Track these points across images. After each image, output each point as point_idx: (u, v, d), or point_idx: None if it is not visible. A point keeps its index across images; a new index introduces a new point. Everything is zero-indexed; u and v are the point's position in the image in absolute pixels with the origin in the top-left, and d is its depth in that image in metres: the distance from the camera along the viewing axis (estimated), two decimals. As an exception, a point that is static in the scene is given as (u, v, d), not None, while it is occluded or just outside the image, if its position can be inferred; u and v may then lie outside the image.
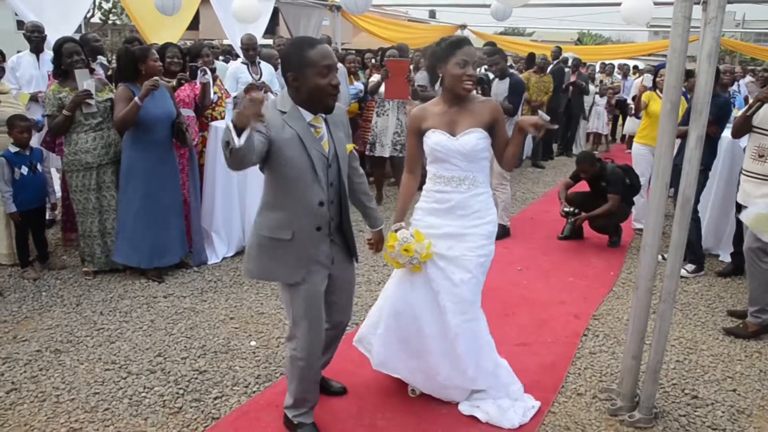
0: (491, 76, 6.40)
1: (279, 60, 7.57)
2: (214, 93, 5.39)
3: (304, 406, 2.71)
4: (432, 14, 19.67)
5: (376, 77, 6.57)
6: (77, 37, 5.30)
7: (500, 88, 5.89)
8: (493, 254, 2.87)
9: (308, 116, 2.36)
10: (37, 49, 5.68)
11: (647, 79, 6.32)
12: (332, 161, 2.44)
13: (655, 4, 8.15)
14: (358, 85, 7.26)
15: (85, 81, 4.24)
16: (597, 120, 11.32)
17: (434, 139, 2.77)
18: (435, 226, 2.81)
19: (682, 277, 4.66)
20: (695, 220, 4.72)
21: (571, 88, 10.17)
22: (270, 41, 10.08)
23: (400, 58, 6.34)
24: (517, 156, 2.85)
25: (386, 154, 6.68)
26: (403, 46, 7.77)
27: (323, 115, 2.41)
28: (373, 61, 7.85)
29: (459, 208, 2.78)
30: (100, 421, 2.84)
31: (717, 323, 4.09)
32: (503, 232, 5.84)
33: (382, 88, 6.27)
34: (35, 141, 5.02)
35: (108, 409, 2.93)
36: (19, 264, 4.60)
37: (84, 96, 4.22)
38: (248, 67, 6.17)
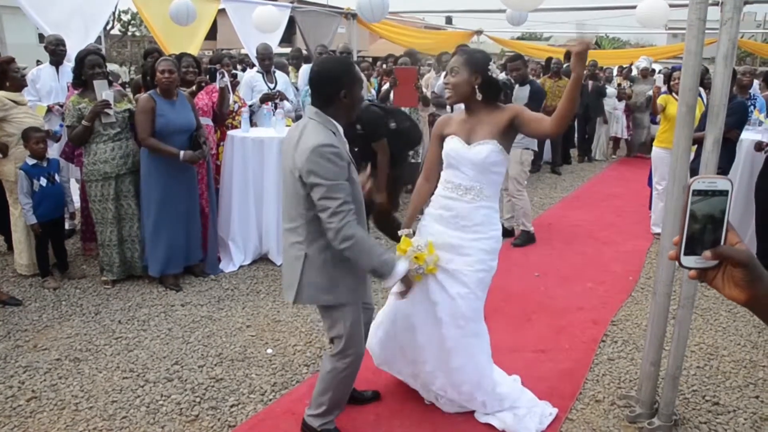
0: (513, 81, 6.32)
1: (289, 69, 7.65)
2: (234, 102, 5.44)
3: (335, 413, 2.72)
4: (449, 20, 19.64)
5: (387, 84, 6.59)
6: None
7: (521, 94, 5.88)
8: (494, 271, 2.83)
9: (341, 129, 2.45)
10: (57, 61, 5.78)
11: (660, 80, 6.26)
12: None
13: (672, 6, 8.06)
14: (373, 92, 7.28)
15: (103, 91, 4.31)
16: (616, 124, 11.23)
17: (450, 145, 2.78)
18: (437, 233, 2.80)
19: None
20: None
21: (590, 82, 10.05)
22: (286, 50, 10.12)
23: (408, 66, 6.37)
24: (571, 108, 2.51)
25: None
26: (412, 52, 7.79)
27: None
28: (384, 66, 7.88)
29: (461, 218, 2.75)
30: (117, 429, 2.87)
31: (738, 328, 4.01)
32: (527, 238, 5.83)
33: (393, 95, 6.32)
34: (54, 152, 5.11)
35: (126, 417, 2.95)
36: (39, 274, 4.67)
37: (103, 106, 4.29)
38: (263, 76, 6.22)
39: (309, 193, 2.32)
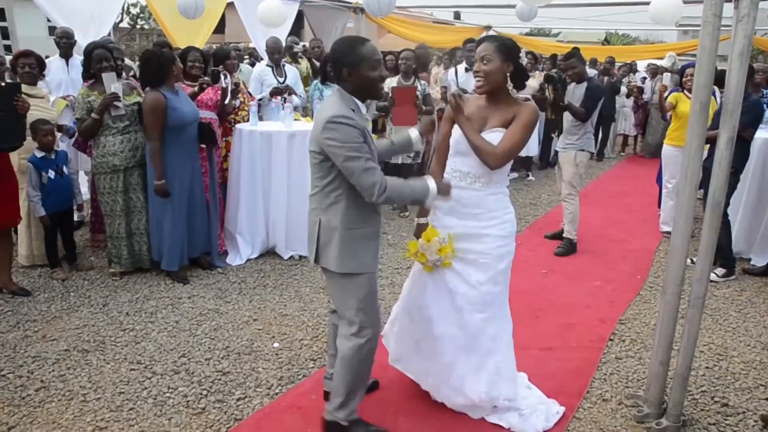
0: (569, 80, 5.69)
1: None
2: (237, 98, 5.41)
3: (356, 398, 2.66)
4: (457, 15, 19.57)
5: (393, 80, 6.37)
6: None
7: (577, 92, 5.38)
8: (513, 255, 2.82)
9: (362, 107, 2.52)
10: (66, 54, 5.79)
11: (666, 79, 6.18)
12: None
13: (685, 2, 7.98)
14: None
15: (112, 84, 4.30)
16: (624, 121, 11.17)
17: (461, 132, 2.72)
18: (452, 226, 2.78)
19: (711, 281, 4.56)
20: (725, 224, 4.60)
21: (605, 78, 9.94)
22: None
23: (406, 86, 6.09)
24: (476, 148, 2.65)
25: (399, 161, 6.60)
26: (423, 45, 7.70)
27: None
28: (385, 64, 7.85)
29: (473, 206, 2.74)
30: (125, 420, 2.88)
31: (749, 329, 3.99)
32: (570, 248, 5.48)
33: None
34: (67, 144, 5.11)
35: (133, 409, 2.96)
36: (41, 264, 4.69)
37: (112, 98, 4.28)
38: (273, 70, 6.21)
39: (319, 163, 2.43)
